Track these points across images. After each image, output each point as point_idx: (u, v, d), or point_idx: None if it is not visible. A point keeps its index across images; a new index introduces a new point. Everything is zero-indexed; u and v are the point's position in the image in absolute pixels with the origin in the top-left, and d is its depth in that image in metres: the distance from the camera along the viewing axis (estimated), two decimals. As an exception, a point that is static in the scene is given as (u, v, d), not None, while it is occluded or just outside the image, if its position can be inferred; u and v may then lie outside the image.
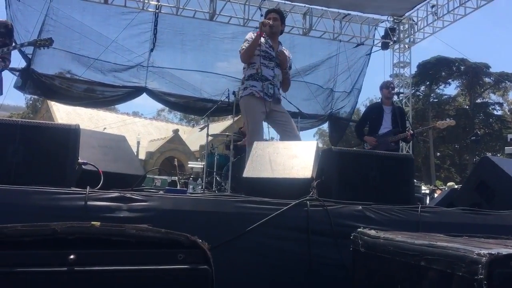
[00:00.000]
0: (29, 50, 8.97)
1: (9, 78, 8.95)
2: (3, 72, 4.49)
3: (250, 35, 4.56)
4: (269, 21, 4.55)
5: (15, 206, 2.13)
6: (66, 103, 12.03)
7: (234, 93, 7.75)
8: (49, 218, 2.05)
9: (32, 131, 2.60)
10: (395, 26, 11.75)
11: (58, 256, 1.18)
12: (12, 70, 8.97)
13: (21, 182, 2.34)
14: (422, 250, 1.50)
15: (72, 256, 1.17)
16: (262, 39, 4.55)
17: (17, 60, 9.26)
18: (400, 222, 2.60)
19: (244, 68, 4.69)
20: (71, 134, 2.63)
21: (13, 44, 4.47)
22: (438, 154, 38.89)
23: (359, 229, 2.09)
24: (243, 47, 4.55)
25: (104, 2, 9.77)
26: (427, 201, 8.82)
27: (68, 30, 9.40)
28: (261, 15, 10.36)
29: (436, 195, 10.50)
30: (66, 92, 9.84)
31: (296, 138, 4.53)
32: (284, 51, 4.72)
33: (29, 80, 9.30)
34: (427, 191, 12.72)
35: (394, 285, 1.65)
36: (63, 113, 30.40)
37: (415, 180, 6.32)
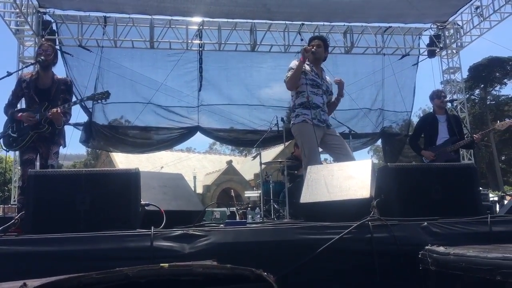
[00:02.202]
0: (88, 103, 9.50)
1: (70, 130, 9.47)
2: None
3: (294, 63, 4.55)
4: (311, 47, 4.57)
5: (87, 252, 2.24)
6: (127, 152, 12.42)
7: (282, 119, 7.79)
8: (119, 260, 2.15)
9: (96, 179, 2.76)
10: (439, 33, 11.44)
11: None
12: (77, 125, 9.53)
13: (89, 228, 2.47)
14: (497, 264, 1.44)
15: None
16: (308, 67, 4.56)
17: (75, 115, 9.81)
18: (469, 235, 2.49)
19: (292, 96, 4.69)
20: (132, 178, 2.76)
21: (73, 99, 4.76)
22: (503, 158, 36.85)
23: (427, 247, 2.03)
24: (288, 75, 4.54)
25: (151, 47, 10.23)
26: (497, 209, 8.33)
27: (120, 78, 9.91)
28: (301, 40, 10.44)
29: (506, 201, 9.91)
30: (124, 141, 10.22)
31: (352, 159, 4.46)
32: (341, 79, 4.72)
33: (93, 134, 9.79)
34: (496, 198, 12.02)
35: (470, 303, 1.58)
36: (122, 157, 31.59)
37: (481, 188, 6.01)
